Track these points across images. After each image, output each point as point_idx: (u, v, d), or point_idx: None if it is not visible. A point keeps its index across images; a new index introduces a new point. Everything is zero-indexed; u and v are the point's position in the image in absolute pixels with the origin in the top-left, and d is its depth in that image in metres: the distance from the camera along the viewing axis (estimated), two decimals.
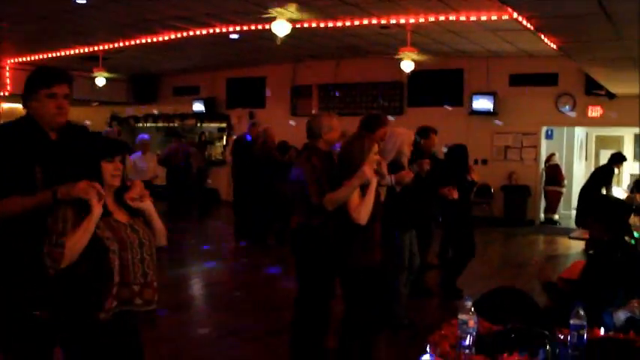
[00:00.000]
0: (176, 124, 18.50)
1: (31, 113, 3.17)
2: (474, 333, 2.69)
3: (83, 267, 2.81)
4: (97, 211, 2.77)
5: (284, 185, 10.74)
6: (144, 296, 2.92)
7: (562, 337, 2.79)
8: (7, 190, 3.01)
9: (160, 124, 18.84)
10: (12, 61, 16.21)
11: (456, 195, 6.83)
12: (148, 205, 3.11)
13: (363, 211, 4.40)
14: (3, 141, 3.13)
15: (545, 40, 9.23)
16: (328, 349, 4.97)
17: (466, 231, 7.62)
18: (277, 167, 10.81)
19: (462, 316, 2.69)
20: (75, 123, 3.42)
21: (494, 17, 9.98)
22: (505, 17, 9.59)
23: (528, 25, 8.33)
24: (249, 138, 12.18)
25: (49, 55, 15.04)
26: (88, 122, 12.42)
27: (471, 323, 2.68)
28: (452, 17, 10.23)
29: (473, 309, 2.71)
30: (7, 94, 16.63)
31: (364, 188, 4.44)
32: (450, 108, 14.44)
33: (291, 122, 15.93)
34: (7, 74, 16.44)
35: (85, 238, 2.77)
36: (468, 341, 2.66)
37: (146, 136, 11.91)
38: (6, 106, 18.94)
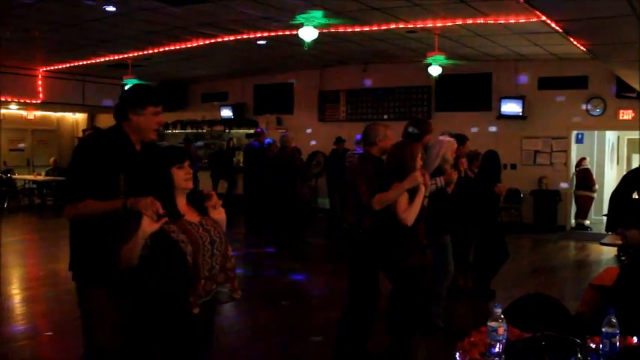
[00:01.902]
0: (204, 131, 18.62)
1: (126, 124, 3.47)
2: (504, 340, 2.67)
3: (166, 270, 3.01)
4: (146, 227, 2.93)
5: (304, 189, 10.90)
6: (205, 288, 3.11)
7: (594, 346, 2.75)
8: (85, 192, 3.31)
9: (189, 131, 18.97)
10: (44, 69, 16.47)
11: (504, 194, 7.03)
12: (222, 215, 3.32)
13: (411, 213, 4.69)
14: (95, 147, 3.46)
15: (575, 42, 9.14)
16: (368, 350, 5.16)
17: (496, 236, 7.61)
18: (297, 171, 10.89)
19: (491, 324, 2.67)
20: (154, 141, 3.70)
21: (522, 20, 9.89)
22: (533, 20, 9.51)
23: (557, 28, 8.26)
24: (256, 145, 12.44)
25: (80, 63, 15.26)
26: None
27: (501, 331, 2.66)
28: (479, 21, 10.17)
29: (503, 316, 2.68)
30: (39, 101, 16.90)
31: (412, 192, 4.70)
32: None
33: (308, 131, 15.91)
34: (40, 82, 16.70)
35: (135, 249, 2.95)
36: (497, 349, 2.64)
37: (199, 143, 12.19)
38: (39, 113, 19.29)
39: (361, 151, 5.80)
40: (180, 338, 3.10)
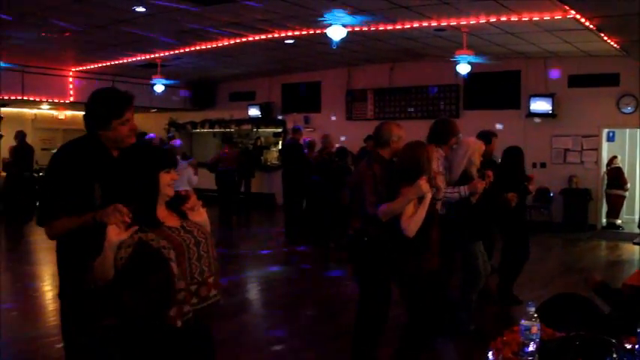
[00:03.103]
0: (232, 130, 18.72)
1: (96, 136, 3.29)
2: (537, 340, 2.64)
3: (141, 279, 2.86)
4: (112, 237, 2.80)
5: (344, 190, 10.89)
6: (200, 294, 2.96)
7: (629, 346, 2.71)
8: (57, 210, 3.17)
9: (217, 130, 19.08)
10: (75, 69, 16.67)
11: (514, 203, 6.75)
12: (203, 217, 3.18)
13: (412, 223, 4.41)
14: (65, 160, 3.28)
15: (607, 39, 9.02)
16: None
17: (521, 236, 7.49)
18: (333, 173, 10.91)
19: (524, 323, 2.64)
20: (138, 141, 3.54)
21: (552, 17, 9.77)
22: (564, 17, 9.40)
23: (589, 25, 8.16)
24: (291, 142, 12.50)
25: (110, 64, 15.42)
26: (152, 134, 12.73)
27: (534, 330, 2.63)
28: (509, 18, 10.07)
29: (536, 315, 2.66)
30: (70, 101, 17.11)
31: (420, 200, 4.44)
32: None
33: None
34: (70, 82, 16.92)
35: (106, 262, 2.81)
36: (531, 348, 2.62)
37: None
38: (69, 113, 19.52)
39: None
40: (170, 352, 2.93)
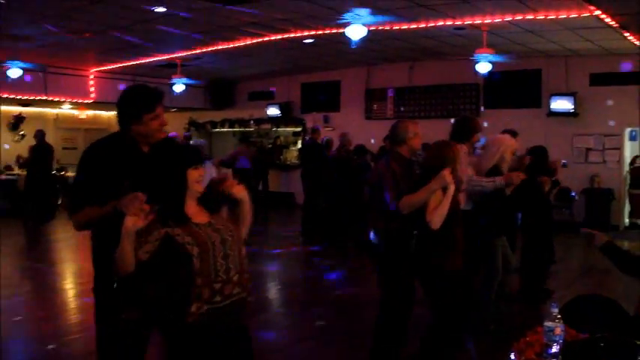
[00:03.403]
0: (252, 129, 18.78)
1: (127, 131, 3.38)
2: (561, 341, 2.62)
3: (166, 273, 2.90)
4: (129, 225, 2.79)
5: (362, 189, 10.88)
6: (223, 292, 2.96)
7: None
8: (83, 203, 3.27)
9: (237, 129, 19.13)
10: (95, 69, 16.80)
11: (548, 186, 6.83)
12: (244, 194, 3.23)
13: (437, 215, 4.42)
14: (97, 156, 3.37)
15: (630, 37, 8.92)
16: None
17: (545, 236, 7.45)
18: (352, 171, 10.91)
19: (548, 323, 2.62)
20: (168, 137, 3.60)
21: (573, 15, 9.69)
22: (586, 15, 9.31)
23: (612, 23, 8.07)
24: (310, 142, 12.56)
25: (130, 64, 15.51)
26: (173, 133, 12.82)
27: (558, 331, 2.61)
28: (529, 16, 9.99)
29: (559, 316, 2.63)
30: (91, 101, 17.25)
31: (444, 192, 4.46)
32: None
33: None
34: (92, 82, 17.05)
35: (125, 252, 2.81)
36: (554, 349, 2.59)
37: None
38: (90, 113, 19.69)
39: None
40: (173, 345, 2.96)
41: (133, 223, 2.79)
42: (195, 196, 3.07)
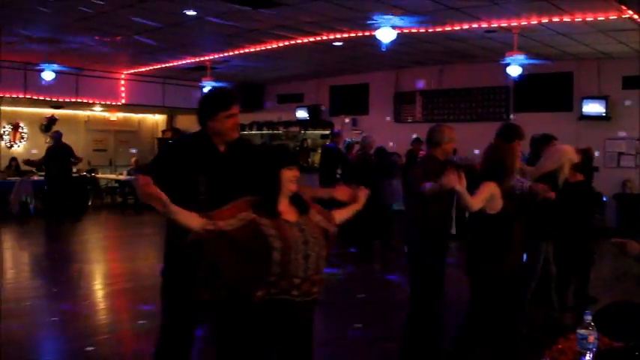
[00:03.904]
0: (280, 132, 18.82)
1: (207, 128, 3.62)
2: (594, 349, 2.57)
3: (244, 256, 3.09)
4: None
5: (385, 191, 10.86)
6: (302, 289, 3.15)
7: None
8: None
9: (265, 132, 19.20)
10: (126, 72, 16.99)
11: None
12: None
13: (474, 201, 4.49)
14: (176, 153, 3.66)
15: None
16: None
17: (582, 241, 7.38)
18: (372, 172, 10.88)
19: (581, 331, 2.57)
20: (243, 137, 3.84)
21: (605, 17, 9.55)
22: (618, 17, 9.18)
23: None
24: (332, 146, 12.59)
25: (161, 66, 15.67)
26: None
27: (591, 339, 2.56)
28: (562, 19, 9.88)
29: (593, 324, 2.59)
30: (122, 103, 17.45)
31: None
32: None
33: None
34: (122, 85, 17.25)
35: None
36: (587, 358, 2.55)
37: None
38: (121, 115, 19.92)
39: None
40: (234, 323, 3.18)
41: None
42: (288, 194, 3.25)
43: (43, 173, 15.43)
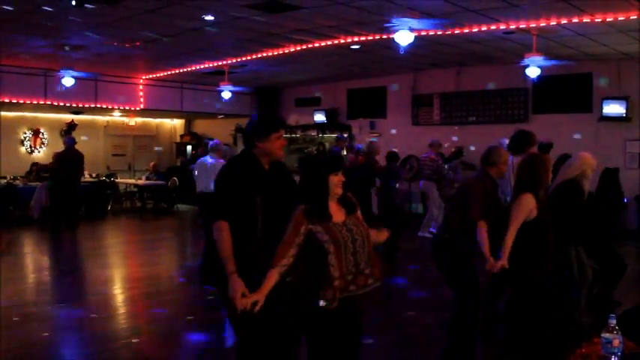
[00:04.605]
0: (298, 135, 18.84)
1: (255, 149, 3.90)
2: (619, 354, 2.54)
3: (305, 264, 3.46)
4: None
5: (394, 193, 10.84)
6: (357, 282, 3.46)
7: None
8: (227, 212, 3.70)
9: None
10: (145, 77, 17.09)
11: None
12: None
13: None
14: (236, 173, 3.88)
15: None
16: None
17: (606, 244, 7.34)
18: (372, 176, 10.86)
19: (605, 335, 2.54)
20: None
21: (626, 17, 9.46)
22: (638, 17, 9.09)
23: None
24: (337, 149, 12.67)
25: (179, 71, 15.74)
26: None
27: (616, 343, 2.53)
28: (581, 19, 9.79)
29: (617, 328, 2.55)
30: (140, 108, 17.55)
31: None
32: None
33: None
34: (141, 90, 17.35)
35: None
36: None
37: (217, 141, 12.68)
38: (139, 120, 20.06)
39: None
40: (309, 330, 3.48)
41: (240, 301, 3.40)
42: (335, 197, 3.56)
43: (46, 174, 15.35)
